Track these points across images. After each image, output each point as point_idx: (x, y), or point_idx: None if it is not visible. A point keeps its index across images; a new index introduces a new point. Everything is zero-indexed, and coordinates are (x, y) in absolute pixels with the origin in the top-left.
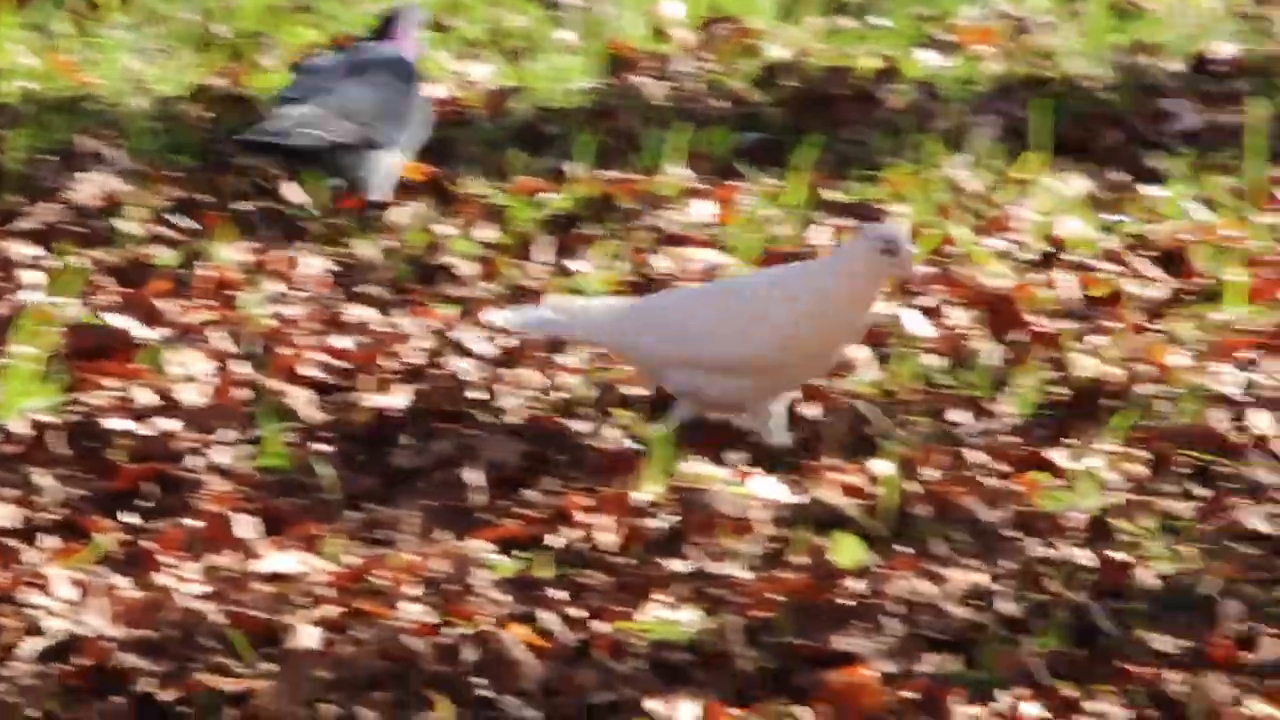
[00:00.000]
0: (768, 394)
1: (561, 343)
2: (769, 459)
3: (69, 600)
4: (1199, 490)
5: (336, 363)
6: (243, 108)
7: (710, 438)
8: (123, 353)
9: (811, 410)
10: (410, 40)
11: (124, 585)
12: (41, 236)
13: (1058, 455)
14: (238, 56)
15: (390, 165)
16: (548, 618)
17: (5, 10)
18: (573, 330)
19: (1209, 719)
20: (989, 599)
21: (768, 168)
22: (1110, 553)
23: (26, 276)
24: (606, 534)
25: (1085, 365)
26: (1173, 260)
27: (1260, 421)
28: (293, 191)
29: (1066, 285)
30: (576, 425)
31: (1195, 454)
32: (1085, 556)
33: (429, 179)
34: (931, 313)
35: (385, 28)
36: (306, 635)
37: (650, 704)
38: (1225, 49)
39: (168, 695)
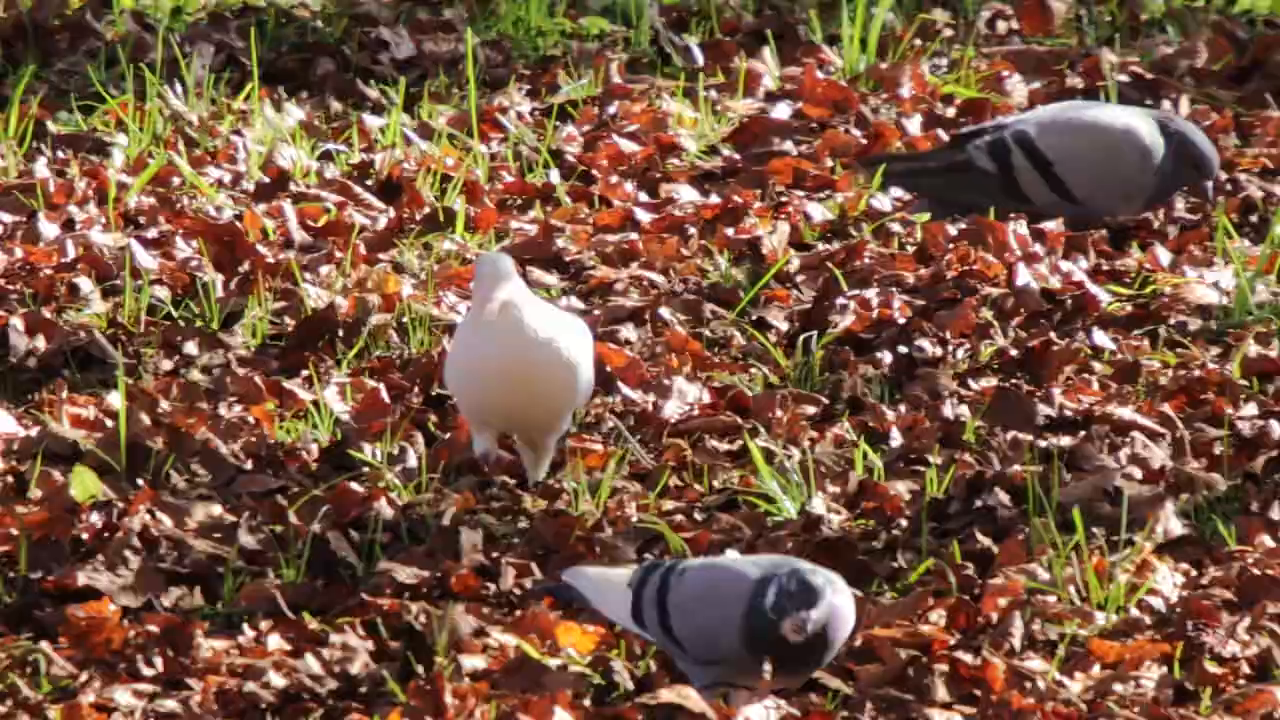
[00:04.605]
0: (476, 415)
1: None
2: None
3: None
4: (434, 417)
5: None
6: None
7: None
8: None
9: (39, 342)
10: None
11: None
12: None
13: (292, 385)
14: None
15: None
16: None
17: None
18: None
19: (451, 649)
20: (229, 532)
21: None
22: (349, 484)
23: None
24: None
25: (314, 295)
26: (395, 189)
27: None
28: None
29: (290, 216)
30: None
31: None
32: (323, 488)
33: None
34: (158, 244)
35: None
36: None
37: None
38: None
39: None
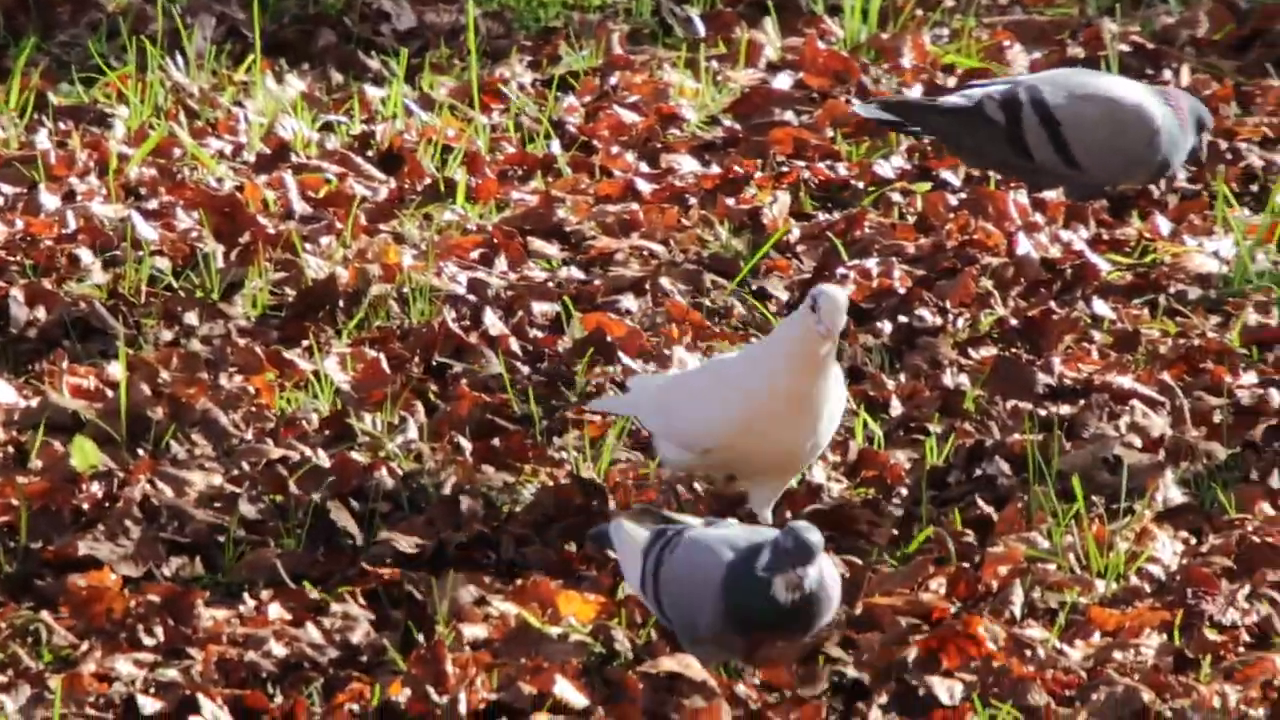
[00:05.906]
0: (745, 472)
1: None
2: None
3: None
4: (434, 387)
5: None
6: None
7: None
8: None
9: (39, 313)
10: None
11: None
12: None
13: (292, 356)
14: None
15: None
16: None
17: None
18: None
19: (452, 618)
20: (230, 501)
21: None
22: (350, 454)
23: None
24: None
25: (314, 266)
26: (395, 160)
27: (489, 320)
28: None
29: (291, 186)
30: None
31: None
32: (324, 457)
33: None
34: (158, 215)
35: None
36: None
37: None
38: None
39: None
